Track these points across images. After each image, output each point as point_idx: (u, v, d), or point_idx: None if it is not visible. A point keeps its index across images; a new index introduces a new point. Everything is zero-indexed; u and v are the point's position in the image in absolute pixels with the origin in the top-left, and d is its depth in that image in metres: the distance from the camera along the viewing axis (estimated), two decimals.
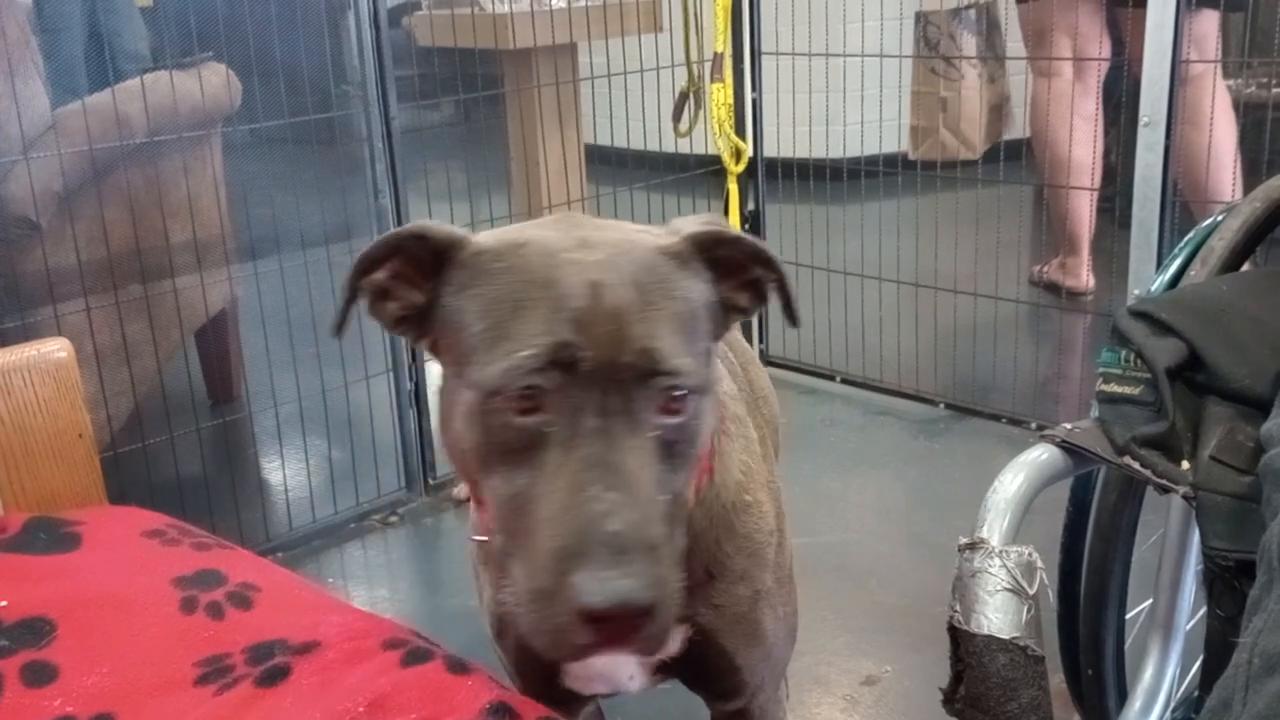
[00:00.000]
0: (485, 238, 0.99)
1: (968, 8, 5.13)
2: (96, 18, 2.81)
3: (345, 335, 1.01)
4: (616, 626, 0.84)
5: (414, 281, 0.99)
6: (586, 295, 0.90)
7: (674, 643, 1.17)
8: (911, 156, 4.71)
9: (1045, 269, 3.92)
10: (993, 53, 5.15)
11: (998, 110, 5.39)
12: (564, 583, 0.83)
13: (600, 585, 0.82)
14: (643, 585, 0.83)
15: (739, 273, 1.02)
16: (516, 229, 1.01)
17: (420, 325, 1.00)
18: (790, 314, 1.05)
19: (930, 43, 4.95)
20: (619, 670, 1.19)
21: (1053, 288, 3.78)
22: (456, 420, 0.94)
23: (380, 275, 0.99)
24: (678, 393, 0.91)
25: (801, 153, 3.77)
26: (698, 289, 0.98)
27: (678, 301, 0.94)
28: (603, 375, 0.88)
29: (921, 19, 4.96)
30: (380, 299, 1.00)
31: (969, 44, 4.98)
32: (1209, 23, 3.25)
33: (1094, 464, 1.21)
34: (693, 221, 1.03)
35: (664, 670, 1.21)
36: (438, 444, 2.88)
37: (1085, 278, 3.80)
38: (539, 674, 1.20)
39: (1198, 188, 3.06)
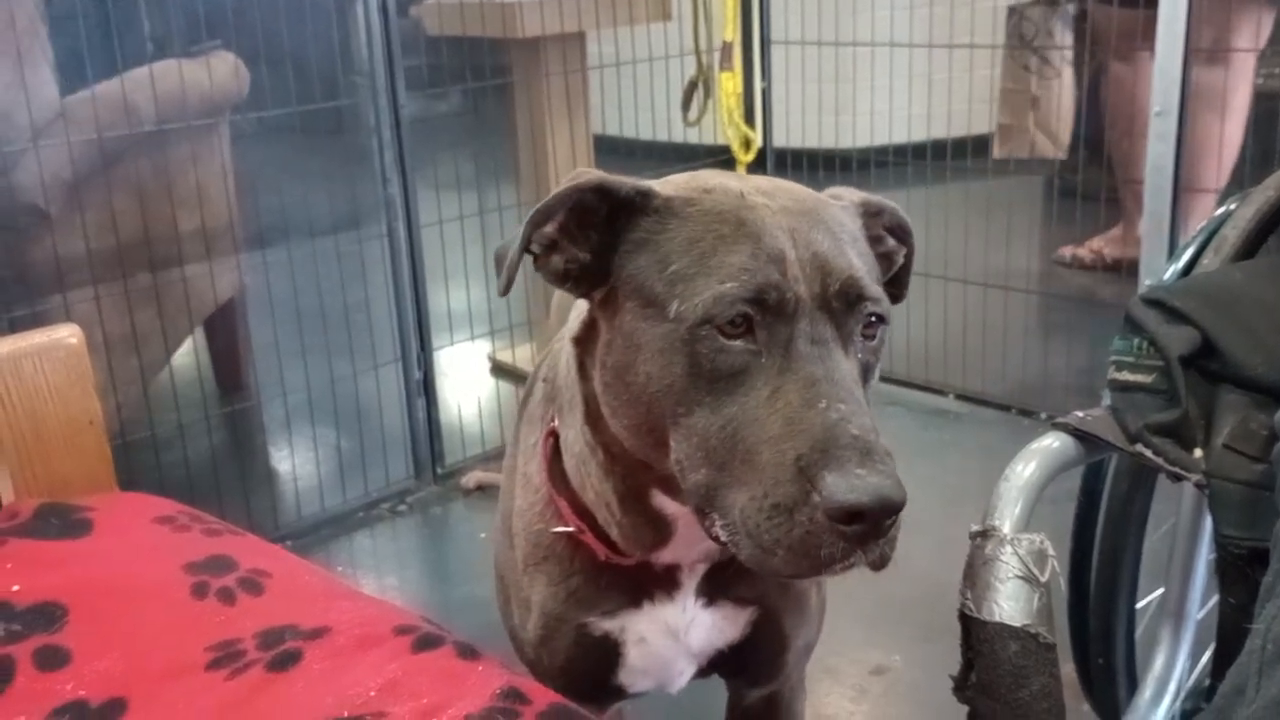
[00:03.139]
0: (665, 185, 1.00)
1: (1069, 1, 4.96)
2: None
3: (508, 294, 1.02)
4: (864, 530, 0.84)
5: (577, 236, 1.00)
6: (785, 234, 0.94)
7: (737, 626, 1.18)
8: (996, 155, 4.67)
9: (1076, 249, 3.92)
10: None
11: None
12: (812, 489, 0.84)
13: (857, 482, 0.83)
14: (895, 483, 0.84)
15: (876, 244, 1.08)
16: (688, 176, 1.03)
17: (587, 279, 1.00)
18: (902, 288, 1.13)
19: (1025, 39, 4.85)
20: (673, 664, 1.19)
21: (1086, 266, 3.81)
22: (645, 363, 0.94)
23: (550, 229, 1.00)
24: (874, 319, 0.96)
25: (811, 142, 3.76)
26: (865, 239, 1.04)
27: (860, 242, 1.01)
28: (811, 305, 0.91)
29: (1016, 14, 4.86)
30: (548, 253, 1.01)
31: (1067, 39, 4.87)
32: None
33: (1106, 452, 1.21)
34: (847, 190, 1.09)
35: (715, 661, 1.21)
36: (446, 433, 2.90)
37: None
38: (588, 673, 1.19)
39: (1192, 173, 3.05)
